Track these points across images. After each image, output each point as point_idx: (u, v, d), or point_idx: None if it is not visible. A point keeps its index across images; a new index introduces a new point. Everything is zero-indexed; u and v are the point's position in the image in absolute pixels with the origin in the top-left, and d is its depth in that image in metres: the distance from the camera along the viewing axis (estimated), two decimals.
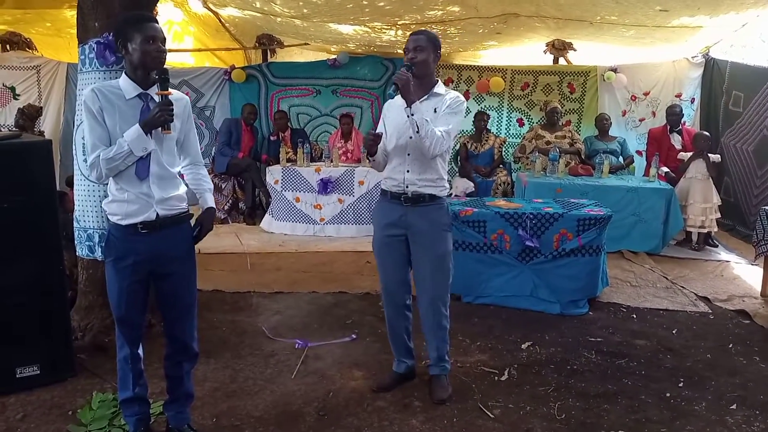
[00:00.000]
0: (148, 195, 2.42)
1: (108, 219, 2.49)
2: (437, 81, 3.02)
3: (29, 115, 6.61)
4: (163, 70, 2.37)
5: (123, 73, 2.44)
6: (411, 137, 2.87)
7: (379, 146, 2.97)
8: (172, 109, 2.36)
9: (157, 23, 2.40)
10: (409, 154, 2.96)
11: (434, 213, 3.02)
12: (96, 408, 2.91)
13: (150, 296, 2.60)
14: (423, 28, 3.05)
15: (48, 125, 7.69)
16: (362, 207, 6.65)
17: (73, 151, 3.61)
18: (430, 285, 3.05)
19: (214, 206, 2.71)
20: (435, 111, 2.94)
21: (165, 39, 2.41)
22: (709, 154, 6.02)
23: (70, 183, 5.99)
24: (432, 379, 3.17)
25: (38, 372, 3.14)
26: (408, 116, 2.82)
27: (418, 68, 2.88)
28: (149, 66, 2.36)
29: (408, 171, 2.97)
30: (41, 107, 7.06)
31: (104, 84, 2.47)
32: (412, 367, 3.30)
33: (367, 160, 3.05)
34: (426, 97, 2.96)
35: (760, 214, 4.82)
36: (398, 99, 2.98)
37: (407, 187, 2.98)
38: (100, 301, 3.67)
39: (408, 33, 7.16)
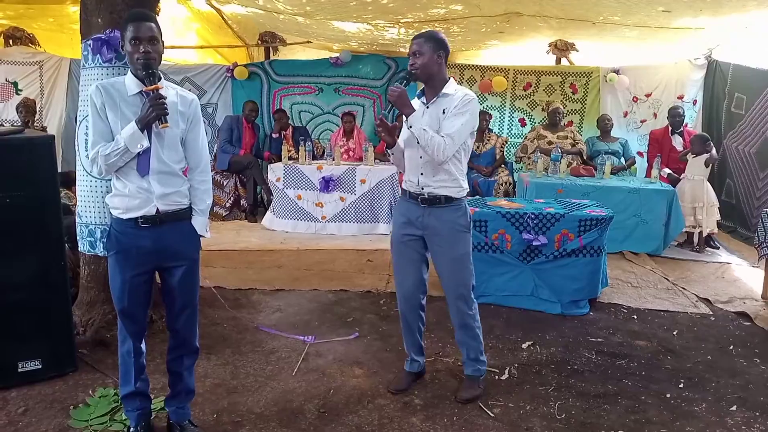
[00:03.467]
0: (149, 190, 2.42)
1: (111, 213, 2.50)
2: (449, 79, 2.95)
3: (30, 109, 6.63)
4: (147, 65, 2.34)
5: (129, 70, 2.45)
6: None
7: (398, 141, 2.98)
8: (164, 103, 2.34)
9: (151, 21, 2.37)
10: (421, 157, 2.94)
11: (451, 214, 2.98)
12: (96, 403, 2.92)
13: (153, 291, 2.60)
14: (424, 30, 2.99)
15: (51, 120, 7.70)
16: (364, 205, 6.65)
17: (75, 147, 3.61)
18: (451, 286, 3.05)
19: (205, 233, 2.62)
20: (444, 112, 2.89)
21: (155, 38, 2.36)
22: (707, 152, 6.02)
23: (64, 181, 5.97)
24: (464, 379, 3.18)
25: (40, 366, 3.14)
26: (407, 128, 2.84)
27: (420, 73, 2.86)
28: (135, 66, 2.36)
29: (422, 174, 2.96)
30: (34, 100, 7.08)
31: (110, 81, 2.47)
32: (423, 365, 3.31)
33: (386, 153, 3.03)
34: (434, 99, 2.92)
35: (762, 217, 4.81)
36: (415, 99, 3.01)
37: (423, 188, 2.96)
38: (102, 297, 3.68)
39: (411, 31, 7.24)
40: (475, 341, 3.13)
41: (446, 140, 2.81)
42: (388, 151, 3.00)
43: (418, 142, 2.82)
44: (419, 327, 3.22)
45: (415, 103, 2.98)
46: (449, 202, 2.97)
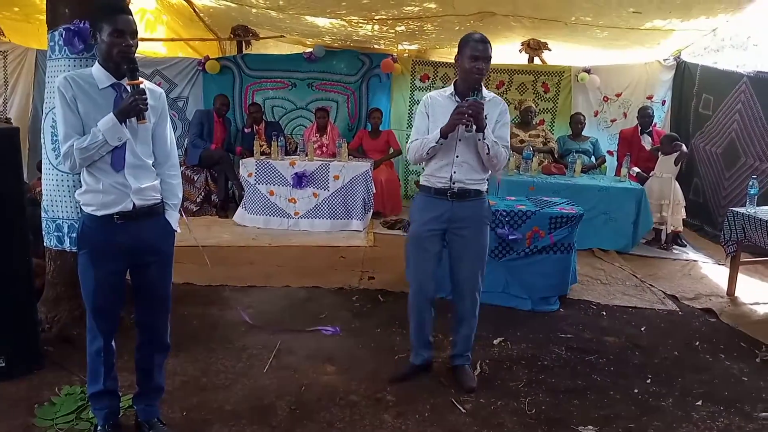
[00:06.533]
0: (124, 185, 2.38)
1: (81, 209, 2.44)
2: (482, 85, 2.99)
3: None
4: (131, 60, 2.32)
5: (96, 62, 2.39)
6: (481, 146, 2.94)
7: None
8: (146, 98, 2.33)
9: (129, 14, 2.34)
10: (457, 156, 3.01)
11: (479, 207, 3.10)
12: (62, 402, 2.86)
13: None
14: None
15: (15, 112, 7.51)
16: (337, 201, 6.63)
17: (42, 140, 3.53)
18: (469, 278, 3.14)
19: (177, 228, 2.59)
20: (486, 117, 2.93)
21: (135, 32, 2.35)
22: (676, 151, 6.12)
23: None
24: (459, 370, 3.26)
25: (4, 364, 3.06)
26: (480, 140, 2.91)
27: (482, 78, 2.94)
28: (115, 59, 2.32)
29: (455, 172, 3.01)
30: None
31: (77, 72, 2.41)
32: (430, 359, 3.34)
33: (435, 143, 2.96)
34: None
35: (727, 215, 4.91)
36: (441, 97, 3.07)
37: (454, 184, 3.02)
38: (68, 293, 3.61)
39: (385, 28, 7.23)
40: (474, 332, 3.28)
41: (506, 152, 3.00)
42: (441, 140, 2.95)
43: (487, 153, 2.93)
44: (430, 322, 3.27)
45: (446, 100, 3.05)
46: (477, 195, 3.08)
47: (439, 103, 3.06)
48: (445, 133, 2.93)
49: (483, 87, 2.99)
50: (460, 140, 2.98)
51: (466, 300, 3.19)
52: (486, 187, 3.13)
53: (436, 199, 3.07)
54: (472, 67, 2.90)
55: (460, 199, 3.04)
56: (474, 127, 2.85)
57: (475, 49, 2.90)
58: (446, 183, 3.03)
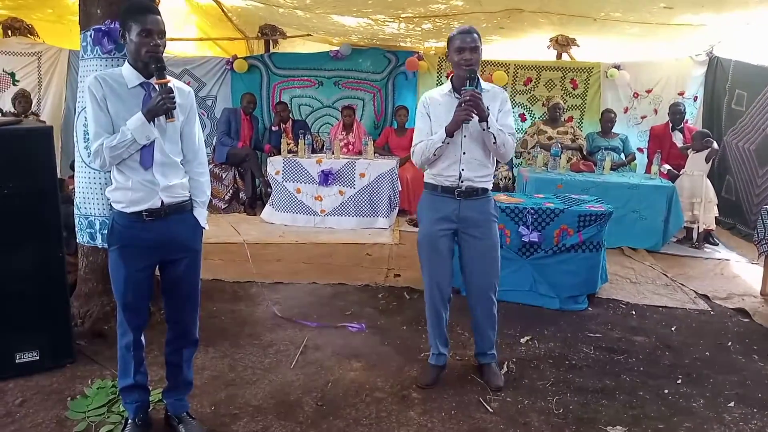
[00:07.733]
0: (153, 182, 2.41)
1: (111, 207, 2.48)
2: (478, 76, 2.98)
3: (27, 99, 6.67)
4: (159, 59, 2.35)
5: (126, 62, 2.43)
6: (491, 141, 2.93)
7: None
8: (174, 97, 2.35)
9: (158, 14, 2.37)
10: (464, 153, 3.00)
11: (486, 204, 3.10)
12: (94, 395, 2.92)
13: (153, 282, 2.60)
14: (469, 26, 2.99)
15: (48, 112, 7.68)
16: (363, 199, 6.64)
17: (74, 138, 3.60)
18: (484, 274, 3.13)
19: (205, 225, 2.62)
20: (488, 109, 2.92)
21: (163, 32, 2.38)
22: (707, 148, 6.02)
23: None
24: (485, 368, 3.25)
25: (38, 357, 3.14)
26: (483, 129, 2.89)
27: (475, 68, 2.90)
28: (143, 59, 2.34)
29: (463, 169, 3.00)
30: (30, 92, 7.09)
31: (107, 72, 2.45)
32: (447, 358, 3.31)
33: (441, 143, 2.94)
34: None
35: (761, 213, 4.81)
36: (439, 95, 3.05)
37: (462, 182, 3.01)
38: (100, 288, 3.68)
39: (411, 26, 7.21)
40: (495, 330, 3.25)
41: (513, 139, 2.99)
42: (447, 139, 2.94)
43: (494, 142, 2.91)
44: (446, 320, 3.26)
45: (445, 97, 3.03)
46: (484, 193, 3.07)
47: (437, 101, 3.05)
48: (450, 132, 2.92)
49: (480, 78, 2.99)
50: (465, 136, 2.97)
51: (483, 301, 3.17)
52: (491, 185, 3.13)
53: (443, 197, 3.06)
54: (460, 59, 2.90)
55: (468, 197, 3.03)
56: (477, 117, 2.84)
57: (462, 41, 2.89)
58: (455, 181, 3.02)
